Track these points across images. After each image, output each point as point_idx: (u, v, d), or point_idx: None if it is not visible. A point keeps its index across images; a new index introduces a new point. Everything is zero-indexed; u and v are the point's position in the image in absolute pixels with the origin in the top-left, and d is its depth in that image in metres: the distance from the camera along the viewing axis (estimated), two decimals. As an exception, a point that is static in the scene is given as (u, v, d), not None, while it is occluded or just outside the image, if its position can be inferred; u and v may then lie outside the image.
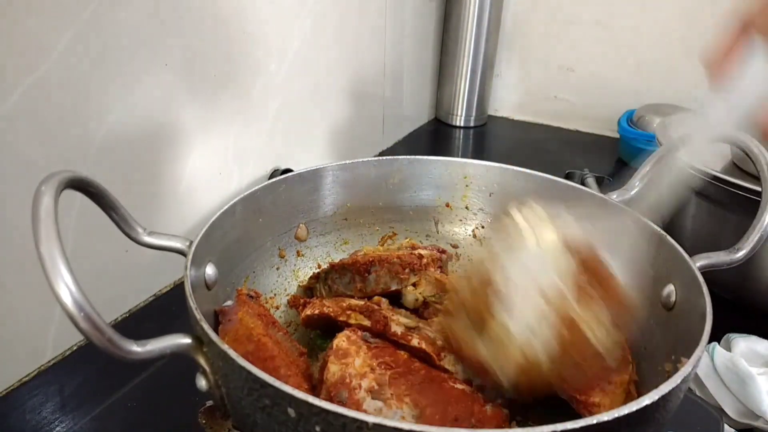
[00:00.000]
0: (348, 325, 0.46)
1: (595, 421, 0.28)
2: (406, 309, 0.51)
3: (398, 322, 0.45)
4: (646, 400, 0.30)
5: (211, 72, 0.66)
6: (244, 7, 0.69)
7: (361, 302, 0.48)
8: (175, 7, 0.59)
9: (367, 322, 0.45)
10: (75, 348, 0.57)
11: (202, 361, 0.34)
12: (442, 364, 0.43)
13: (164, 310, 0.65)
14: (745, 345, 0.55)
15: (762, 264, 0.60)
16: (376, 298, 0.51)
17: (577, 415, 0.40)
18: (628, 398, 0.42)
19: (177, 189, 0.66)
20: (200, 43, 0.64)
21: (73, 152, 0.53)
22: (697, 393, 0.54)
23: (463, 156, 1.16)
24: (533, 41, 1.26)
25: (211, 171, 0.70)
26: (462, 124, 1.27)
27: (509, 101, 1.33)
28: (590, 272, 0.38)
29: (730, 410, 0.52)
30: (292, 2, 0.77)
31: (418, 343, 0.43)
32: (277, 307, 0.55)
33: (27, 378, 0.54)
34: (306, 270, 0.59)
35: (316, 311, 0.48)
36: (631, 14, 1.14)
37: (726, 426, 0.50)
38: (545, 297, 0.36)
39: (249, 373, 0.31)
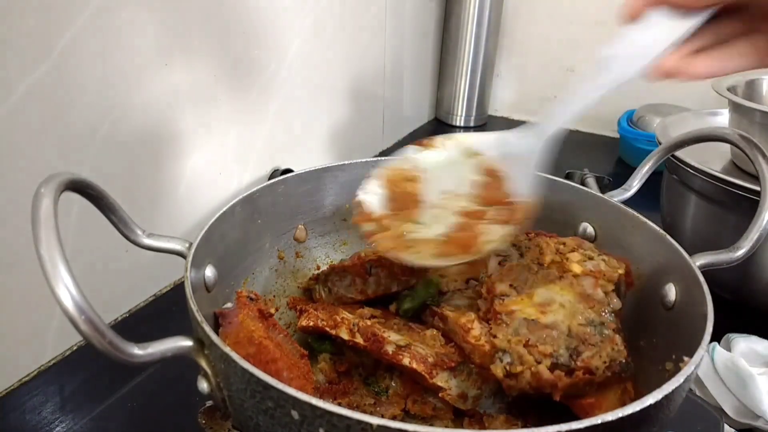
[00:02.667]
0: (341, 339, 0.46)
1: (599, 421, 0.28)
2: (403, 315, 0.51)
3: (389, 341, 0.45)
4: (650, 399, 0.30)
5: (211, 72, 0.66)
6: (243, 7, 0.69)
7: (352, 316, 0.48)
8: (175, 8, 0.59)
9: (359, 340, 0.46)
10: (75, 348, 0.57)
11: (203, 363, 0.34)
12: (434, 382, 0.43)
13: (164, 311, 0.65)
14: (745, 345, 0.55)
15: (762, 264, 0.60)
16: (367, 309, 0.51)
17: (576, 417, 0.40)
18: (624, 395, 0.41)
19: (177, 189, 0.66)
20: (200, 43, 0.64)
21: (73, 152, 0.53)
22: (697, 393, 0.54)
23: (463, 156, 1.16)
24: (533, 41, 1.26)
25: (211, 171, 0.70)
26: (462, 124, 1.27)
27: (509, 101, 1.33)
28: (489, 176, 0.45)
29: (730, 410, 0.52)
30: (292, 2, 0.77)
31: (409, 363, 0.43)
32: (277, 309, 0.55)
33: (27, 378, 0.54)
34: (305, 271, 0.59)
35: (311, 323, 0.48)
36: (631, 14, 1.14)
37: (726, 426, 0.50)
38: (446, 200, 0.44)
39: (252, 375, 0.30)
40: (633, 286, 0.46)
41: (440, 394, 0.43)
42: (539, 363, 0.39)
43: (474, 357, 0.43)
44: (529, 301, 0.43)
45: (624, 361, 0.39)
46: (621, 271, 0.44)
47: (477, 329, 0.44)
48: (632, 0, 0.38)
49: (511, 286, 0.45)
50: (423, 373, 0.43)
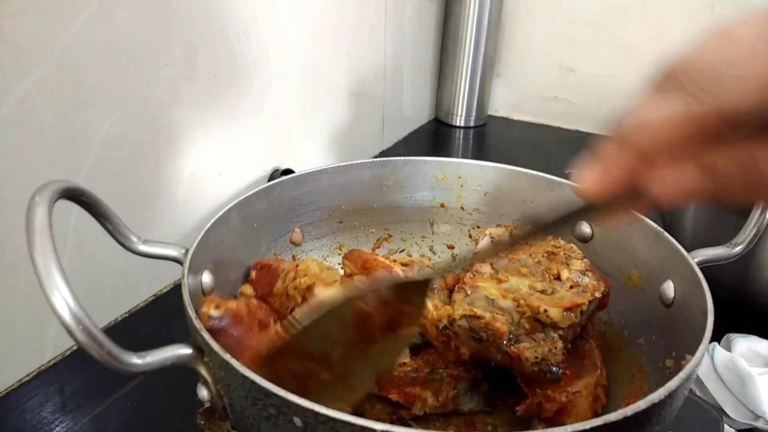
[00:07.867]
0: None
1: (601, 422, 0.28)
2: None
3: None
4: (655, 398, 0.30)
5: (212, 72, 0.66)
6: (244, 7, 0.69)
7: None
8: (175, 8, 0.60)
9: None
10: (75, 348, 0.57)
11: (203, 371, 0.34)
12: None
13: (164, 311, 0.65)
14: (745, 345, 0.55)
15: (761, 264, 0.59)
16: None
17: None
18: (596, 403, 0.43)
19: (177, 189, 0.66)
20: (200, 43, 0.64)
21: (72, 153, 0.53)
22: (697, 393, 0.54)
23: (463, 156, 1.16)
24: (533, 41, 1.26)
25: (211, 171, 0.70)
26: (462, 124, 1.27)
27: (509, 101, 1.33)
28: None
29: (730, 410, 0.52)
30: (293, 2, 0.77)
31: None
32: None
33: (27, 378, 0.54)
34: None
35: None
36: (631, 14, 1.14)
37: (726, 426, 0.50)
38: None
39: (253, 382, 0.30)
40: (606, 308, 0.47)
41: (421, 411, 0.44)
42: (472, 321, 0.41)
43: (431, 337, 0.45)
44: (497, 283, 0.45)
45: (555, 365, 0.41)
46: (598, 295, 0.44)
47: (433, 310, 0.45)
48: (600, 181, 0.27)
49: (491, 266, 0.47)
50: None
